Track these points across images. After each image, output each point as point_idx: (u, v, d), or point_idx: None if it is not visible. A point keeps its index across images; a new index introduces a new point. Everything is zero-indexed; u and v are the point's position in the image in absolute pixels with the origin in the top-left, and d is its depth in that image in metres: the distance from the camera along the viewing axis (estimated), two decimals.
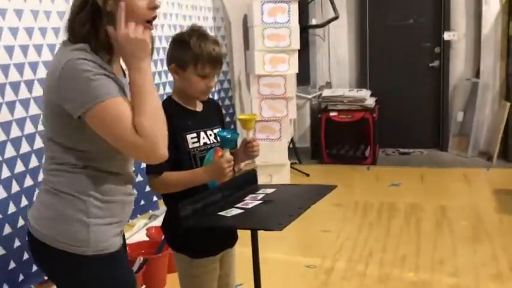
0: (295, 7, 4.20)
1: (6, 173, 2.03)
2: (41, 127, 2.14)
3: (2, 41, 2.03)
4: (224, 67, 4.37)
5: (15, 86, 2.08)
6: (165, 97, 1.76)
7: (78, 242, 1.25)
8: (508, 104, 4.73)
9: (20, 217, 2.06)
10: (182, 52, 1.60)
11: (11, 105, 2.06)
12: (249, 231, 1.52)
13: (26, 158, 2.13)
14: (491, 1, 4.87)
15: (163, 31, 3.41)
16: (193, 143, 1.64)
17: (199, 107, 1.72)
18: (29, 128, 2.14)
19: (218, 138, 1.67)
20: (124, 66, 1.32)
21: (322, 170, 4.92)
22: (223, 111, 4.69)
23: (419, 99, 5.34)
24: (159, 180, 1.60)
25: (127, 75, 1.28)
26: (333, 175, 4.71)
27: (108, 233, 1.29)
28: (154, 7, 1.26)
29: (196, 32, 1.62)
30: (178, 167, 1.61)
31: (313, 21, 5.22)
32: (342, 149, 5.18)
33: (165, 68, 3.37)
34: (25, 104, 2.12)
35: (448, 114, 5.27)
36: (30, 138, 2.14)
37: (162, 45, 3.36)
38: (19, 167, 2.09)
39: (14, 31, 2.08)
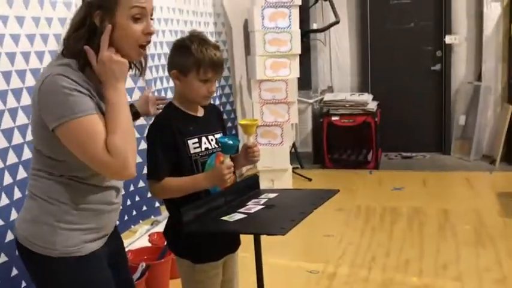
0: (296, 12, 4.21)
1: (8, 179, 2.03)
2: None
3: (4, 47, 2.03)
4: (225, 72, 4.38)
5: (17, 93, 2.08)
6: None
7: (47, 244, 1.29)
8: (511, 107, 4.72)
9: None
10: (184, 58, 1.61)
11: (13, 112, 2.06)
12: (251, 236, 1.51)
13: (27, 164, 2.12)
14: (492, 4, 4.88)
15: (165, 37, 3.42)
16: (195, 148, 1.64)
17: (200, 112, 1.72)
18: (30, 134, 2.13)
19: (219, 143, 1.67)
20: None
21: (324, 174, 4.91)
22: (225, 117, 4.71)
23: (421, 102, 5.34)
24: (159, 185, 1.60)
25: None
26: (335, 180, 4.70)
27: (78, 238, 1.31)
28: (149, 33, 1.30)
29: (197, 37, 1.63)
30: (180, 172, 1.61)
31: (314, 26, 5.22)
32: (344, 154, 5.17)
33: (167, 73, 3.40)
34: (27, 110, 2.12)
35: (450, 117, 5.26)
36: (32, 144, 2.14)
37: (164, 51, 3.37)
38: (21, 174, 2.09)
39: (15, 38, 2.09)
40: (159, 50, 3.34)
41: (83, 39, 1.27)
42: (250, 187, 1.74)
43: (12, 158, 2.05)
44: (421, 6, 5.24)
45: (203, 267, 1.66)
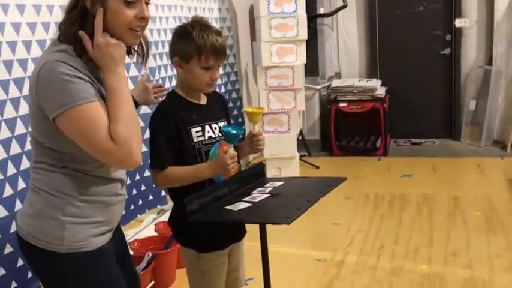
0: None
1: (12, 170, 2.01)
2: None
3: (5, 36, 2.00)
4: (230, 59, 4.33)
5: (18, 82, 2.05)
6: None
7: (53, 239, 1.25)
8: None
9: None
10: (185, 44, 1.57)
11: (15, 102, 2.04)
12: (258, 226, 1.49)
13: (30, 154, 2.11)
14: None
15: (168, 24, 3.37)
16: (198, 136, 1.62)
17: (203, 100, 1.69)
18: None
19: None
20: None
21: (332, 162, 4.87)
22: (230, 104, 4.63)
23: (431, 88, 5.25)
24: (162, 175, 1.58)
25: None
26: (343, 167, 4.66)
27: (86, 232, 1.28)
28: (143, 17, 1.26)
29: (198, 23, 1.60)
30: (183, 161, 1.59)
31: (321, 11, 5.14)
32: (352, 141, 5.12)
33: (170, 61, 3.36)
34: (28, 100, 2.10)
35: (460, 102, 5.18)
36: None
37: (168, 38, 3.32)
38: (24, 164, 2.08)
39: (16, 26, 2.06)
40: (162, 37, 3.29)
41: (75, 24, 1.23)
42: (255, 176, 1.71)
43: (15, 148, 2.04)
44: None
45: (208, 256, 1.64)
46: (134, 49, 1.35)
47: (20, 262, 2.01)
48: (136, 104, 1.76)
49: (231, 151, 1.56)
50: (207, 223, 1.53)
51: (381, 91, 4.94)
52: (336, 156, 4.98)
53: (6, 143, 1.99)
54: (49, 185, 1.26)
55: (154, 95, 1.79)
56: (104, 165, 1.27)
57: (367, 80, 5.08)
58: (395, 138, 5.34)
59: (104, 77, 1.23)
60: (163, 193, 3.19)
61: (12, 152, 2.02)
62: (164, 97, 1.74)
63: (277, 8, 4.10)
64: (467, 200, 3.64)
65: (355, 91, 4.92)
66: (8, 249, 1.96)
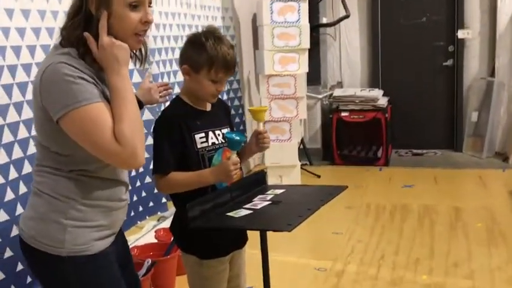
0: (305, 5, 4.16)
1: (13, 174, 2.02)
2: None
3: (9, 41, 2.02)
4: None
5: (22, 87, 2.06)
6: None
7: (55, 243, 1.25)
8: None
9: None
10: (197, 54, 1.58)
11: (18, 106, 2.04)
12: (258, 233, 1.48)
13: (32, 159, 2.11)
14: None
15: (172, 31, 3.39)
16: (202, 142, 1.62)
17: (208, 107, 1.70)
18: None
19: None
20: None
21: (333, 171, 4.86)
22: (233, 112, 4.63)
23: (433, 98, 5.26)
24: (165, 180, 1.58)
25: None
26: (345, 176, 4.65)
27: (87, 235, 1.27)
28: (147, 21, 1.27)
29: (212, 34, 1.60)
30: (187, 167, 1.59)
31: (324, 20, 5.16)
32: (354, 150, 5.12)
33: (175, 68, 3.37)
34: (32, 104, 2.11)
35: (462, 114, 5.18)
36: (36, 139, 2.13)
37: (171, 45, 3.34)
38: (26, 169, 2.08)
39: (21, 31, 2.07)
40: (166, 44, 3.31)
41: (79, 28, 1.23)
42: (257, 183, 1.72)
43: (17, 153, 2.04)
44: (433, 1, 5.16)
45: (210, 262, 1.64)
46: (133, 52, 1.35)
47: (20, 266, 2.00)
48: (141, 105, 1.76)
49: (234, 157, 1.56)
50: (209, 229, 1.53)
51: (383, 101, 4.95)
52: (337, 166, 4.97)
53: (8, 147, 1.99)
54: (52, 188, 1.26)
55: (160, 94, 1.79)
56: (108, 166, 1.27)
57: (369, 90, 5.09)
58: (397, 149, 5.34)
59: (108, 77, 1.23)
60: (164, 200, 3.19)
61: (14, 156, 2.02)
62: (169, 101, 1.74)
63: (280, 17, 4.13)
64: (469, 212, 3.62)
65: (357, 101, 4.93)
66: (8, 253, 1.95)
